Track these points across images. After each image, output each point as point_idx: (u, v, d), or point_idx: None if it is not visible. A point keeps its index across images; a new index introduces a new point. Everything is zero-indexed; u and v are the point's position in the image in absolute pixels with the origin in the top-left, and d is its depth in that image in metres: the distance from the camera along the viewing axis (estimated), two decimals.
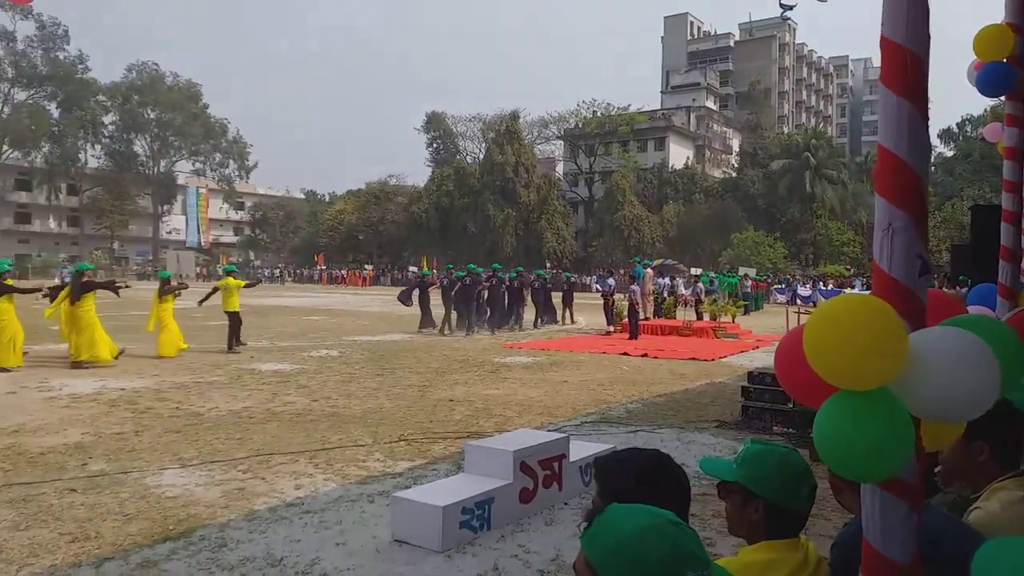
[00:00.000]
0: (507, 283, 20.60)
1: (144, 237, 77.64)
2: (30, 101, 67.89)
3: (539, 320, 21.41)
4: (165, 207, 78.61)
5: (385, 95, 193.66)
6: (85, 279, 12.50)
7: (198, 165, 78.47)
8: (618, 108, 65.87)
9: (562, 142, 72.22)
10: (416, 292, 20.24)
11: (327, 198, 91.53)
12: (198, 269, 60.43)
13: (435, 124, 74.08)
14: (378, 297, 41.08)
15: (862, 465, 1.21)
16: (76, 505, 5.02)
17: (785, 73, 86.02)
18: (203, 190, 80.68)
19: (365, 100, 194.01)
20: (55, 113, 68.42)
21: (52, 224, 76.37)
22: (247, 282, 16.31)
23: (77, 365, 11.64)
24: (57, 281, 25.84)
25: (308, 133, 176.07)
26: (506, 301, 20.27)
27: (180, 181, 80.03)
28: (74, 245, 75.31)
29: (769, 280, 40.43)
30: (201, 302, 15.15)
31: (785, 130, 73.84)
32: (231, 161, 78.73)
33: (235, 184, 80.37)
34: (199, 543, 4.38)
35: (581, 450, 5.81)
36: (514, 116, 65.30)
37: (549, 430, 7.01)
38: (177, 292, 14.09)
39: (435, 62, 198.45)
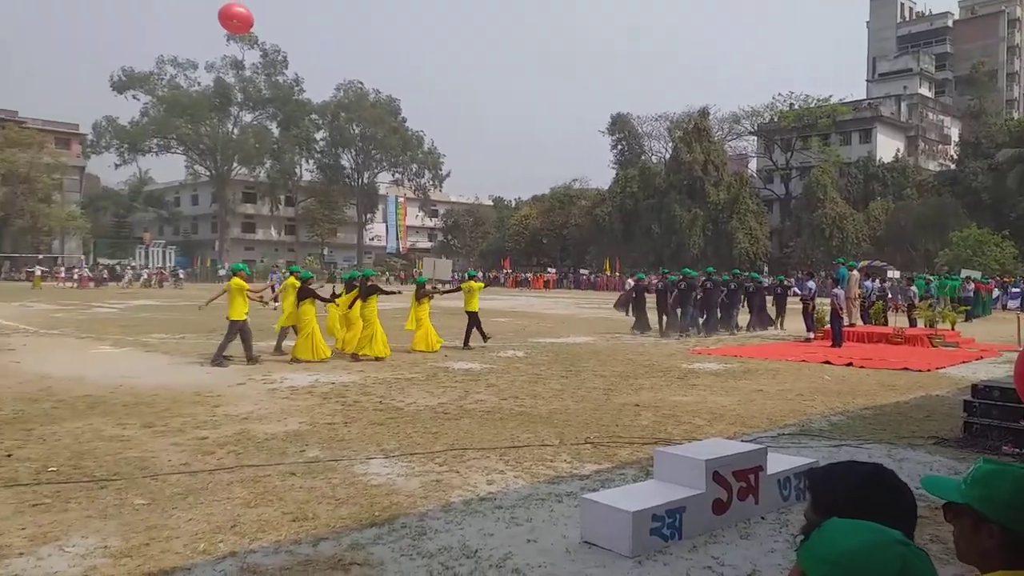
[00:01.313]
0: (723, 286, 20.13)
1: (350, 244, 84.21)
2: (255, 122, 76.01)
3: (753, 325, 20.63)
4: (368, 215, 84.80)
5: (570, 100, 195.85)
6: (370, 283, 14.09)
7: (397, 176, 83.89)
8: (817, 100, 61.89)
9: (755, 138, 69.16)
10: (632, 296, 20.47)
11: (513, 203, 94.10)
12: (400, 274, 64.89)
13: (620, 126, 73.74)
14: (561, 300, 41.58)
15: None
16: (296, 488, 5.52)
17: (1016, 52, 76.53)
18: (401, 199, 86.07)
19: (551, 105, 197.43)
20: (276, 132, 76.07)
21: (273, 232, 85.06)
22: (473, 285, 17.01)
23: (355, 358, 13.09)
24: (268, 285, 28.00)
25: (496, 141, 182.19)
26: (720, 305, 19.86)
27: (381, 191, 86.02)
28: (290, 251, 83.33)
29: (999, 282, 36.06)
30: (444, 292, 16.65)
31: (1015, 115, 65.64)
32: (426, 171, 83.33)
33: (429, 193, 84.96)
34: (401, 530, 4.66)
35: (779, 463, 5.51)
36: (703, 113, 63.45)
37: (743, 440, 6.72)
38: (430, 295, 15.47)
39: (618, 64, 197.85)
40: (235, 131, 74.57)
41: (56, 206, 63.88)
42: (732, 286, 20.52)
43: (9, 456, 6.31)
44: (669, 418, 8.44)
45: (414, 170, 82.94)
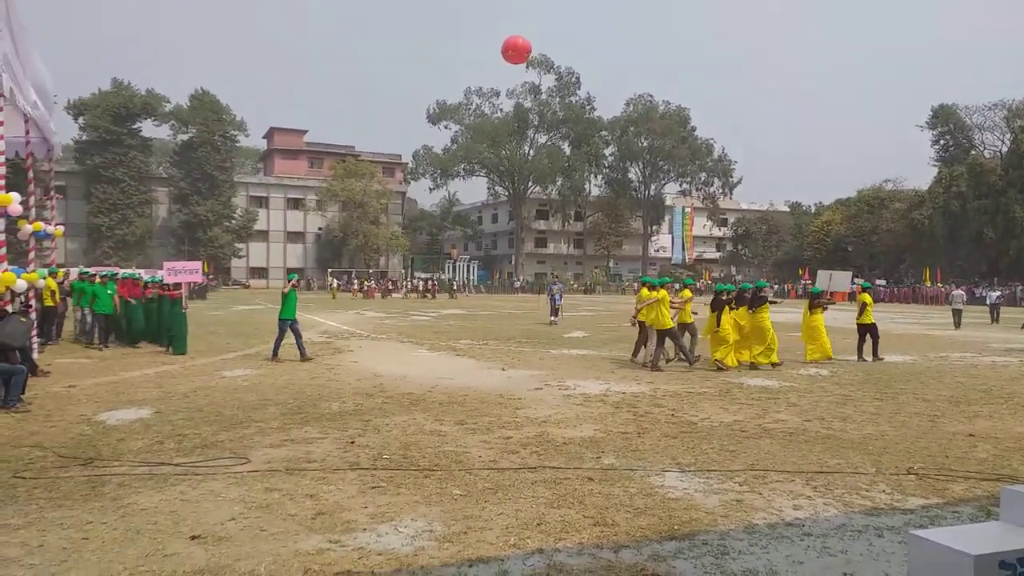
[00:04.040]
0: None
1: (635, 255, 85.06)
2: (549, 143, 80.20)
3: None
4: (653, 227, 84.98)
5: (880, 92, 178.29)
6: (763, 294, 14.50)
7: (684, 186, 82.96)
8: None
9: None
10: None
11: (812, 209, 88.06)
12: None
13: (943, 118, 65.44)
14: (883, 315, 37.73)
15: None
16: (594, 493, 5.65)
17: None
18: (688, 209, 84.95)
19: (858, 100, 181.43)
20: (567, 151, 79.53)
21: (563, 246, 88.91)
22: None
23: (753, 367, 13.62)
24: (550, 294, 27.77)
25: (794, 144, 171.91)
26: None
27: (667, 202, 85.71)
28: (578, 264, 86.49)
29: None
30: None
31: None
32: (715, 179, 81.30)
33: (719, 201, 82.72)
34: (702, 547, 4.54)
35: None
36: None
37: None
38: (825, 307, 15.62)
39: (934, 51, 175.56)
40: (531, 152, 79.39)
41: (383, 227, 73.45)
42: None
43: (352, 443, 7.30)
44: (1015, 452, 7.22)
45: (703, 179, 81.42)
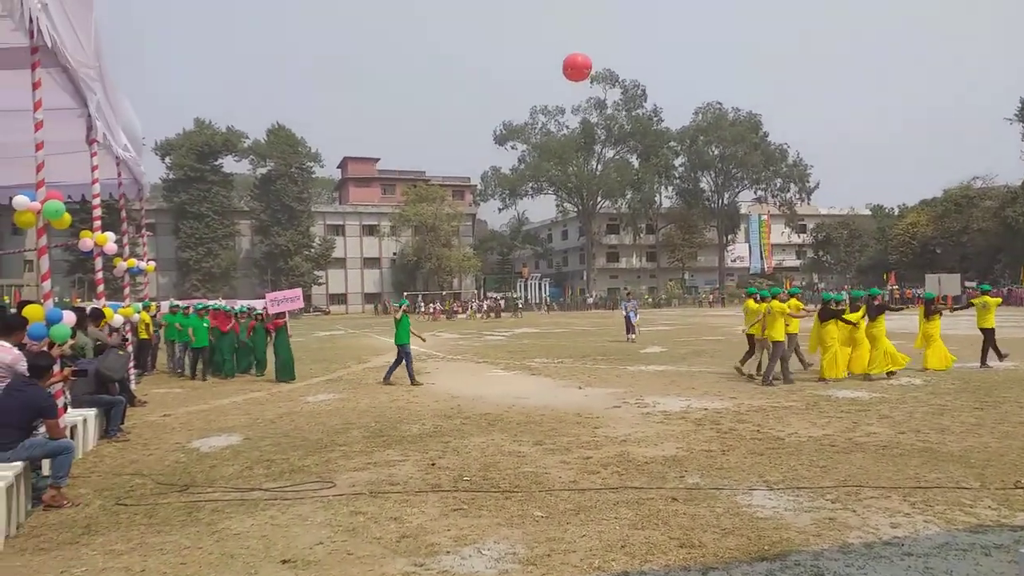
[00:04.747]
0: None
1: (711, 267, 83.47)
2: (617, 157, 79.84)
3: None
4: (729, 237, 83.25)
5: (962, 84, 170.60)
6: (878, 302, 14.30)
7: (759, 193, 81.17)
8: None
9: None
10: None
11: (896, 211, 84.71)
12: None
13: None
14: (963, 319, 35.86)
15: None
16: (679, 513, 5.53)
17: None
18: (764, 216, 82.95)
19: (938, 95, 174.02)
20: (635, 164, 78.96)
21: (635, 260, 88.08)
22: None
23: (867, 378, 13.13)
24: (624, 311, 26.98)
25: (872, 145, 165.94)
26: None
27: (742, 211, 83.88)
28: (652, 278, 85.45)
29: None
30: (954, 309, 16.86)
31: None
32: (791, 185, 79.30)
33: (796, 207, 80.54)
34: (795, 568, 4.37)
35: None
36: None
37: None
38: (940, 312, 15.28)
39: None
40: (598, 167, 79.16)
41: (455, 249, 74.47)
42: None
43: (433, 465, 7.37)
44: None
45: (778, 185, 79.47)
